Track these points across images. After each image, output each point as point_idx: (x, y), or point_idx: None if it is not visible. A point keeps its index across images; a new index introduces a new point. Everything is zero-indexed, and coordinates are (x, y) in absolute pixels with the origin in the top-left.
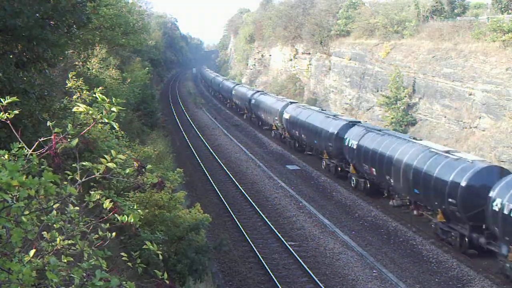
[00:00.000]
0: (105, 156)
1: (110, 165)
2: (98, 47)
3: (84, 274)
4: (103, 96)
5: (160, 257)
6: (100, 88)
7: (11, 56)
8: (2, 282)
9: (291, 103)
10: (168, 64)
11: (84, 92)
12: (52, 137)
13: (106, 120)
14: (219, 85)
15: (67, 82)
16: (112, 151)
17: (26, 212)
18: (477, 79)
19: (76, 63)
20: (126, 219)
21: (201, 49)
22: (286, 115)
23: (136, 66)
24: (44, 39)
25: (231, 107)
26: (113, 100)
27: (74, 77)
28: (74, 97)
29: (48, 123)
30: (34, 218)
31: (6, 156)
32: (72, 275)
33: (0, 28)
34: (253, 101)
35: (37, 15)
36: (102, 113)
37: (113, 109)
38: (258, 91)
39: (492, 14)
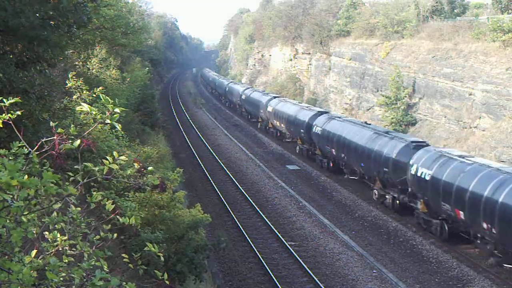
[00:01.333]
0: (107, 157)
1: (113, 166)
2: (98, 47)
3: (84, 274)
4: (107, 97)
5: (162, 258)
6: (101, 88)
7: (11, 56)
8: (2, 282)
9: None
10: (168, 64)
11: (84, 92)
12: (55, 137)
13: (109, 121)
14: (247, 100)
15: (67, 82)
16: (115, 153)
17: (26, 212)
18: (477, 79)
19: (76, 63)
20: (128, 221)
21: (201, 49)
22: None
23: (136, 66)
24: (44, 39)
25: (266, 130)
26: (116, 101)
27: (74, 77)
28: (74, 97)
29: (51, 124)
30: (35, 219)
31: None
32: (73, 275)
33: (1, 28)
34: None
35: (38, 15)
36: (104, 113)
37: (117, 110)
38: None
39: (492, 14)
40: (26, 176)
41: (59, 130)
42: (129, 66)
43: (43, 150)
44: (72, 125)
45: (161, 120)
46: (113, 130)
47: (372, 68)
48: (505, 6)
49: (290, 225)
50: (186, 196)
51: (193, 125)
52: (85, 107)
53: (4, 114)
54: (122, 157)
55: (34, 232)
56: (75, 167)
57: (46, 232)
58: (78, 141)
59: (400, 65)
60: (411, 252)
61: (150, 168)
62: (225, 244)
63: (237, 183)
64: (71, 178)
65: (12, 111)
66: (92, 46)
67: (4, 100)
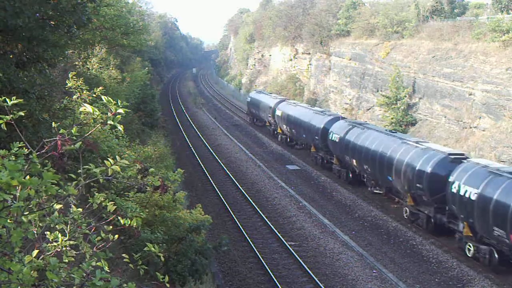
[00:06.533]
0: (109, 158)
1: (115, 168)
2: (98, 47)
3: (84, 274)
4: (109, 98)
5: (162, 259)
6: (100, 88)
7: (11, 56)
8: (2, 282)
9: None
10: (168, 64)
11: (84, 92)
12: (57, 138)
13: (110, 122)
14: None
15: (67, 82)
16: (117, 156)
17: (26, 212)
18: (477, 79)
19: (76, 63)
20: (129, 223)
21: (201, 49)
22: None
23: (136, 66)
24: (44, 39)
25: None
26: (119, 102)
27: (74, 77)
28: (74, 97)
29: (53, 124)
30: (36, 219)
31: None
32: (73, 275)
33: (1, 28)
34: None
35: (38, 15)
36: (105, 113)
37: (120, 110)
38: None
39: (492, 14)
40: (28, 177)
41: (62, 131)
42: (129, 66)
43: (44, 151)
44: (74, 127)
45: (161, 120)
46: (113, 130)
47: (372, 68)
48: (505, 6)
49: (290, 225)
50: (186, 196)
51: (193, 125)
52: (88, 107)
53: (6, 115)
54: (124, 161)
55: (35, 232)
56: (78, 171)
57: (48, 232)
58: (80, 143)
59: (400, 65)
60: (411, 252)
61: (151, 169)
62: (226, 247)
63: (237, 183)
64: (74, 182)
65: (14, 112)
66: (92, 46)
67: (7, 100)
